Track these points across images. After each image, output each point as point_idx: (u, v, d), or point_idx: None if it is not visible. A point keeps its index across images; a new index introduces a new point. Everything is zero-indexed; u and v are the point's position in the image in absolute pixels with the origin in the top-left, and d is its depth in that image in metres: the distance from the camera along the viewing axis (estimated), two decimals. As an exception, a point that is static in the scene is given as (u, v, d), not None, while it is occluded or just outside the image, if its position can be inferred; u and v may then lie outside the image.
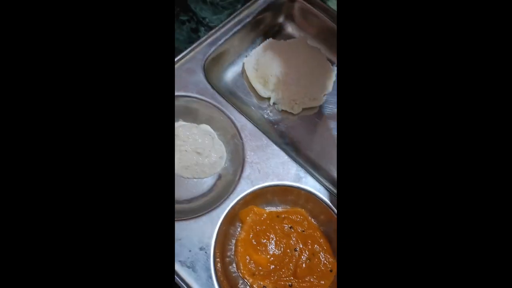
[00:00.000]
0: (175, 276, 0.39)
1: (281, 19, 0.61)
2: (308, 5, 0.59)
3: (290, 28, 0.62)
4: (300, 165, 0.46)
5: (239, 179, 0.45)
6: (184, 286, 0.38)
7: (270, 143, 0.47)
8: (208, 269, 0.39)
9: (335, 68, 0.58)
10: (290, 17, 0.61)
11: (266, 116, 0.55)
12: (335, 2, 0.67)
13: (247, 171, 0.45)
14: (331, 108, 0.56)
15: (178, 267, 0.39)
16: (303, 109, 0.55)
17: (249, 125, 0.48)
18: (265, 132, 0.49)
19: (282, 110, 0.55)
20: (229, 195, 0.44)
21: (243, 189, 0.44)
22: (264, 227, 0.45)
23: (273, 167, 0.46)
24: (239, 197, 0.44)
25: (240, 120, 0.48)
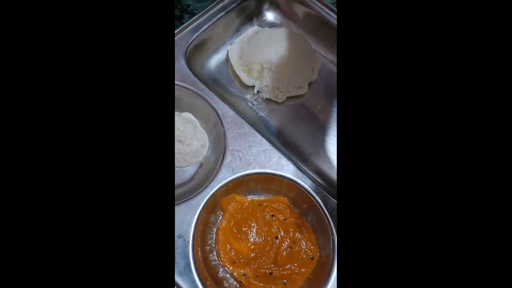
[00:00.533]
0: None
1: (266, 7, 0.60)
2: (293, -8, 0.58)
3: (275, 16, 0.61)
4: (282, 153, 0.46)
5: (219, 166, 0.44)
6: (162, 274, 0.38)
7: (253, 131, 0.47)
8: (187, 257, 0.39)
9: (320, 57, 0.58)
10: (275, 5, 0.60)
11: (250, 104, 0.54)
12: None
13: (228, 158, 0.45)
14: (316, 97, 0.56)
15: (155, 255, 0.39)
16: (288, 98, 0.54)
17: (231, 113, 0.47)
18: (248, 120, 0.48)
19: (266, 99, 0.54)
20: (210, 182, 0.43)
21: (224, 177, 0.44)
22: (245, 215, 0.44)
23: (255, 155, 0.45)
24: (219, 185, 0.43)
25: (222, 108, 0.47)
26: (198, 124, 0.50)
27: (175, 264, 0.38)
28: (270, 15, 0.61)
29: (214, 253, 0.43)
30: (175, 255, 0.39)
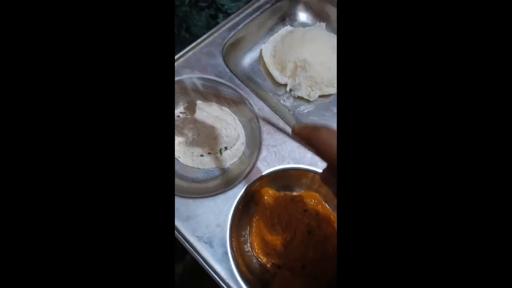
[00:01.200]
0: (193, 250, 0.40)
1: (299, 7, 0.62)
2: (326, -6, 0.59)
3: (307, 16, 0.62)
4: (315, 150, 0.47)
5: (255, 160, 0.45)
6: (201, 260, 0.39)
7: (287, 127, 0.48)
8: (224, 246, 0.40)
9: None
10: (307, 5, 0.61)
11: (282, 102, 0.56)
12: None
13: (263, 153, 0.46)
14: (347, 96, 0.56)
15: (195, 242, 0.40)
16: (320, 96, 0.55)
17: (266, 109, 0.49)
18: (281, 117, 0.49)
19: (298, 97, 0.55)
20: (246, 176, 0.44)
21: (260, 171, 0.45)
22: (278, 209, 0.46)
23: (289, 150, 0.46)
24: (255, 178, 0.45)
25: (258, 104, 0.49)
26: (237, 118, 0.52)
27: (214, 251, 0.40)
28: (302, 16, 0.62)
29: (248, 244, 0.45)
30: (214, 243, 0.40)
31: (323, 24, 0.59)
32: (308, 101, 0.55)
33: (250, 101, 0.49)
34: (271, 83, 0.57)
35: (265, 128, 0.47)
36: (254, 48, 0.59)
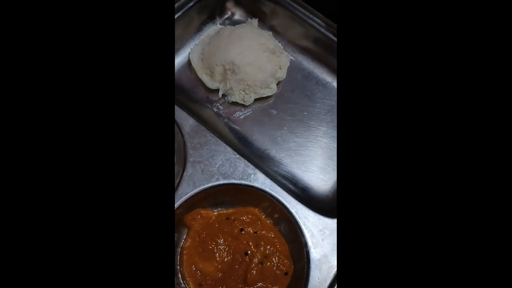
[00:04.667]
0: None
1: (228, 4, 0.57)
2: (257, -13, 0.54)
3: (239, 13, 0.57)
4: (249, 161, 0.42)
5: (180, 180, 0.40)
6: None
7: (215, 139, 0.43)
8: (144, 285, 0.35)
9: (289, 53, 0.54)
10: (238, 1, 0.57)
11: (215, 109, 0.51)
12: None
13: (189, 171, 0.41)
14: (286, 96, 0.52)
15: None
16: (256, 100, 0.51)
17: (190, 121, 0.44)
18: (212, 128, 0.44)
19: (233, 102, 0.51)
20: (169, 199, 0.39)
21: (185, 192, 0.40)
22: (212, 231, 0.41)
23: (218, 165, 0.42)
24: (180, 201, 0.40)
25: (181, 116, 0.44)
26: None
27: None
28: (234, 13, 0.57)
29: (179, 275, 0.40)
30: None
31: (256, 21, 0.54)
32: (244, 106, 0.51)
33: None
34: (203, 89, 0.52)
35: (190, 143, 0.42)
36: (182, 51, 0.54)
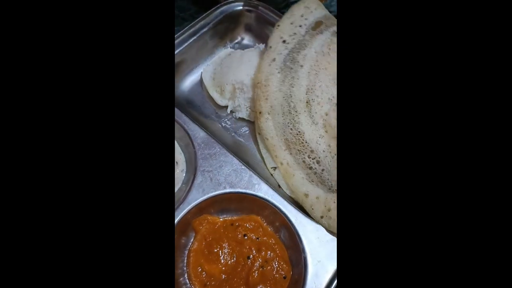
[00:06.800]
0: None
1: (239, 29, 0.62)
2: (265, 15, 0.60)
3: (248, 38, 0.63)
4: (253, 172, 0.46)
5: (190, 187, 0.44)
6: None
7: (224, 151, 0.47)
8: (155, 281, 0.38)
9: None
10: (248, 27, 0.62)
11: (223, 124, 0.55)
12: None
13: (199, 179, 0.45)
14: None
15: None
16: (261, 117, 0.55)
17: (201, 134, 0.48)
18: (220, 141, 0.49)
19: (240, 118, 0.55)
20: (180, 204, 0.43)
21: (195, 198, 0.44)
22: (217, 236, 0.44)
23: (226, 175, 0.46)
24: (190, 206, 0.43)
25: (193, 129, 0.48)
26: (176, 143, 0.51)
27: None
28: (243, 38, 0.63)
29: (186, 276, 0.43)
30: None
31: (262, 46, 0.60)
32: (250, 121, 0.55)
33: (185, 126, 0.48)
34: (213, 105, 0.57)
35: (201, 153, 0.47)
36: (195, 71, 0.59)
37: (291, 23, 0.52)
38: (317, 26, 0.52)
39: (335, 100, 0.49)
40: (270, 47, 0.52)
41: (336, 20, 0.52)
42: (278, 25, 0.53)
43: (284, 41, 0.52)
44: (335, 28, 0.52)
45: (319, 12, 0.53)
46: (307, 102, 0.50)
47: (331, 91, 0.49)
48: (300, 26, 0.52)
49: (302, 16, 0.52)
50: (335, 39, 0.51)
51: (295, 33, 0.52)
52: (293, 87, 0.50)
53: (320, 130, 0.48)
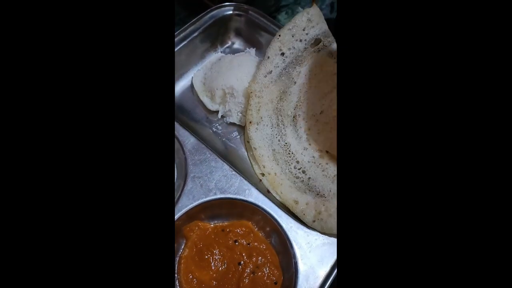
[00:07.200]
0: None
1: (229, 34, 0.62)
2: (255, 19, 0.60)
3: (239, 43, 0.63)
4: (244, 177, 0.46)
5: (180, 194, 0.44)
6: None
7: (214, 156, 0.47)
8: (145, 290, 0.38)
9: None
10: (238, 32, 0.62)
11: (214, 129, 0.55)
12: (285, 16, 0.69)
13: (189, 185, 0.45)
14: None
15: None
16: (252, 121, 0.56)
17: (191, 139, 0.48)
18: (210, 146, 0.48)
19: (231, 123, 0.55)
20: (170, 211, 0.43)
21: (185, 204, 0.44)
22: (208, 242, 0.44)
23: (216, 180, 0.46)
24: (180, 213, 0.43)
25: (183, 135, 0.48)
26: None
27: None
28: (234, 42, 0.63)
29: (177, 283, 0.43)
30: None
31: (253, 50, 0.60)
32: (241, 126, 0.55)
33: (176, 132, 0.48)
34: (204, 110, 0.57)
35: (191, 159, 0.46)
36: (186, 76, 0.59)
37: (292, 36, 0.52)
38: (315, 43, 0.53)
39: (317, 117, 0.50)
40: (268, 57, 0.52)
41: (333, 38, 0.53)
42: (279, 35, 0.53)
43: (282, 54, 0.52)
44: (331, 49, 0.52)
45: (320, 27, 0.53)
46: (294, 117, 0.52)
47: (316, 108, 0.51)
48: (300, 40, 0.52)
49: (304, 30, 0.52)
50: (329, 60, 0.52)
51: (294, 47, 0.52)
52: (284, 101, 0.52)
53: (304, 143, 0.50)
